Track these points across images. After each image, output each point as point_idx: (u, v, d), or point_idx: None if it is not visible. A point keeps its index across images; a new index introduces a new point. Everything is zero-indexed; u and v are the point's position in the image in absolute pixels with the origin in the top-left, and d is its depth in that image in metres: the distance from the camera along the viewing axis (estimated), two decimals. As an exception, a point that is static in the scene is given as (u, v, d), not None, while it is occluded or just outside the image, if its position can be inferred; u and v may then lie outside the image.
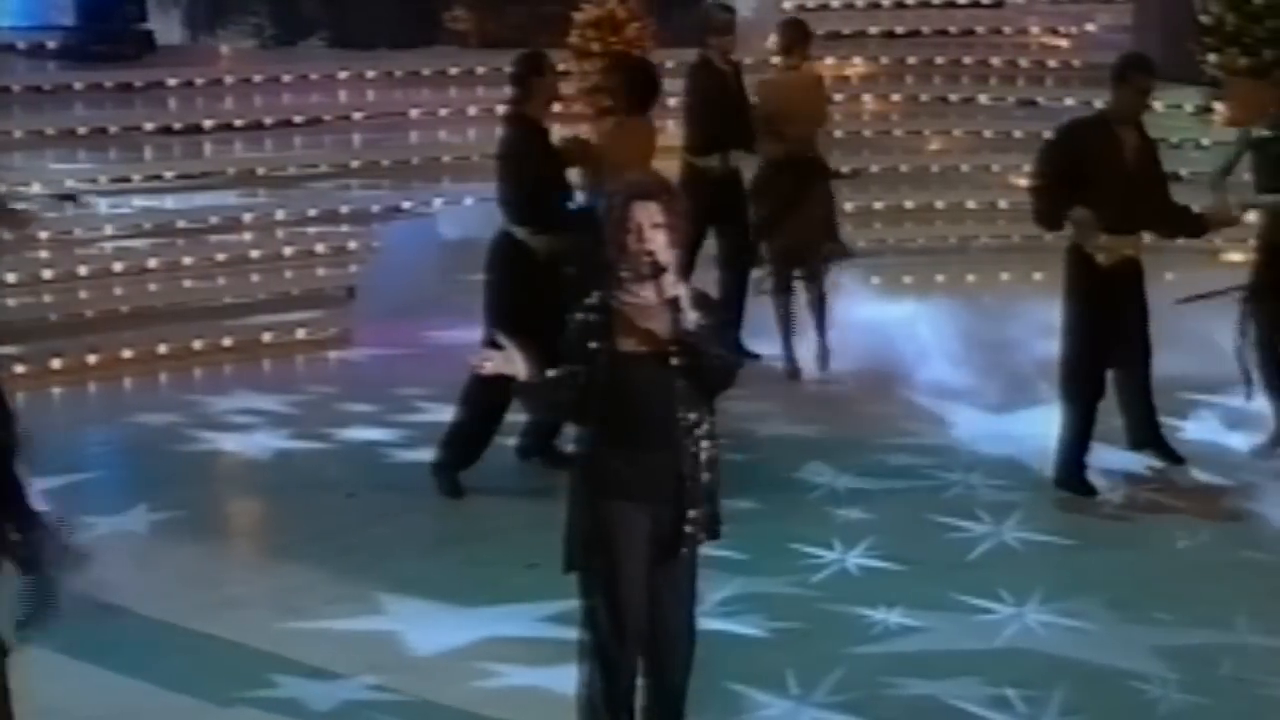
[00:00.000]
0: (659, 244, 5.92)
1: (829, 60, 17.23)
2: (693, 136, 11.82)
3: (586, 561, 6.04)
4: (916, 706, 7.03)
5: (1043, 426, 10.27)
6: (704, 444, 5.99)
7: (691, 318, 5.89)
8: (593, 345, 5.92)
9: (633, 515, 5.96)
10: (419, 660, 7.42)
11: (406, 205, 14.04)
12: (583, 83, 15.13)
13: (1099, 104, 15.87)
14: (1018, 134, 15.85)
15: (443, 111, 16.00)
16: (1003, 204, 15.02)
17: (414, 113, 16.05)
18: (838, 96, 16.22)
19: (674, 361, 5.88)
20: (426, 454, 9.75)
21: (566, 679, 7.14)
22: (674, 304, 5.89)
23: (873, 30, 17.59)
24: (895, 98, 16.52)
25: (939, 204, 14.92)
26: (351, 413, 11.01)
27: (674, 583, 6.05)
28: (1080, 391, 9.45)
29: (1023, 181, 15.55)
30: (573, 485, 6.10)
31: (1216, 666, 7.36)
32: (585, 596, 6.10)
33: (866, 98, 16.49)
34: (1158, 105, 15.58)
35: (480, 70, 16.91)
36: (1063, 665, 7.37)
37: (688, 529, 5.98)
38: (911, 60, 17.14)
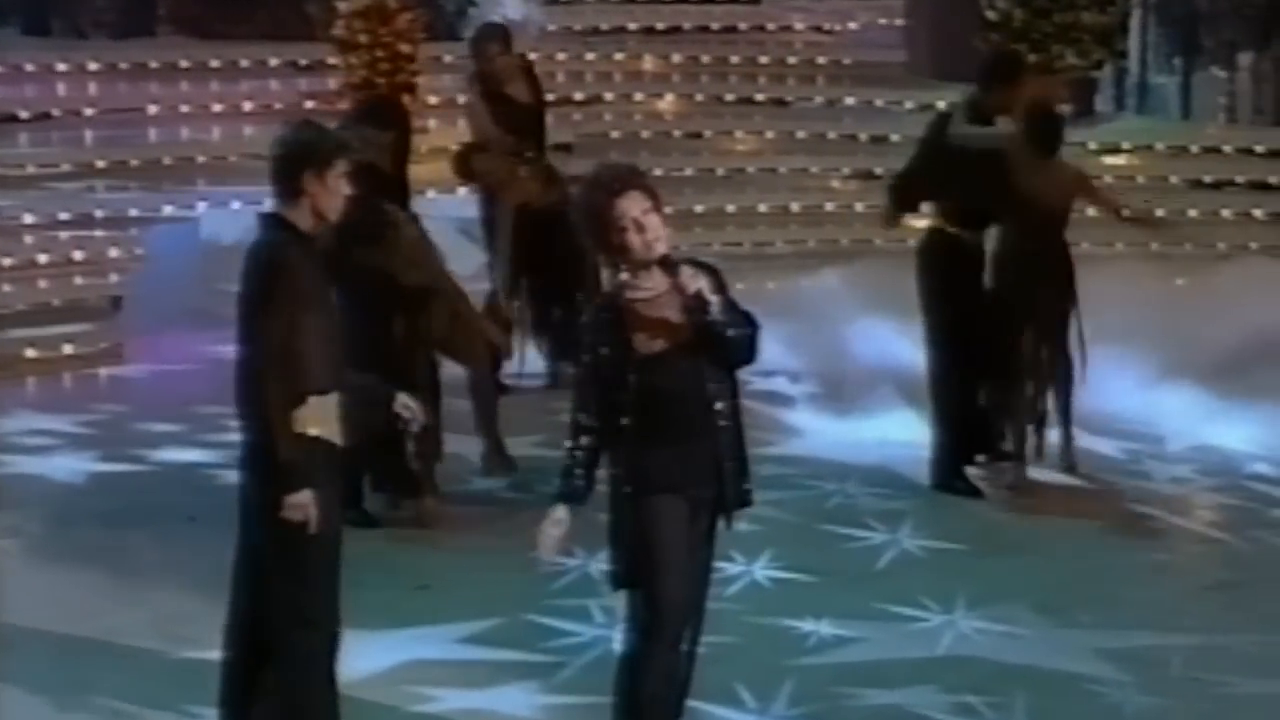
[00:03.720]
0: (658, 228, 6.13)
1: (589, 56, 17.51)
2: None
3: (636, 570, 6.21)
4: (883, 716, 7.32)
5: (895, 432, 10.74)
6: (733, 420, 6.26)
7: (714, 301, 6.12)
8: (607, 351, 6.14)
9: (677, 506, 6.20)
10: (345, 686, 7.37)
11: (169, 209, 13.83)
12: (350, 77, 15.10)
13: (880, 103, 16.78)
14: (800, 134, 16.31)
15: (184, 108, 15.79)
16: (795, 208, 15.44)
17: (152, 109, 15.81)
18: (608, 96, 16.61)
19: (700, 348, 6.12)
20: (256, 474, 9.66)
21: (507, 700, 7.39)
22: (697, 297, 6.10)
23: (632, 26, 17.91)
24: (669, 97, 16.83)
25: (730, 208, 15.26)
26: (156, 433, 10.85)
27: (701, 559, 6.32)
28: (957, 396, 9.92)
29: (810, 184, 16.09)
30: (613, 491, 6.26)
31: (1166, 667, 7.79)
32: (633, 604, 6.28)
33: (639, 96, 16.77)
34: (939, 104, 16.29)
35: (215, 64, 16.74)
36: (1013, 671, 7.73)
37: (726, 506, 6.30)
38: (676, 58, 17.47)
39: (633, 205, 6.13)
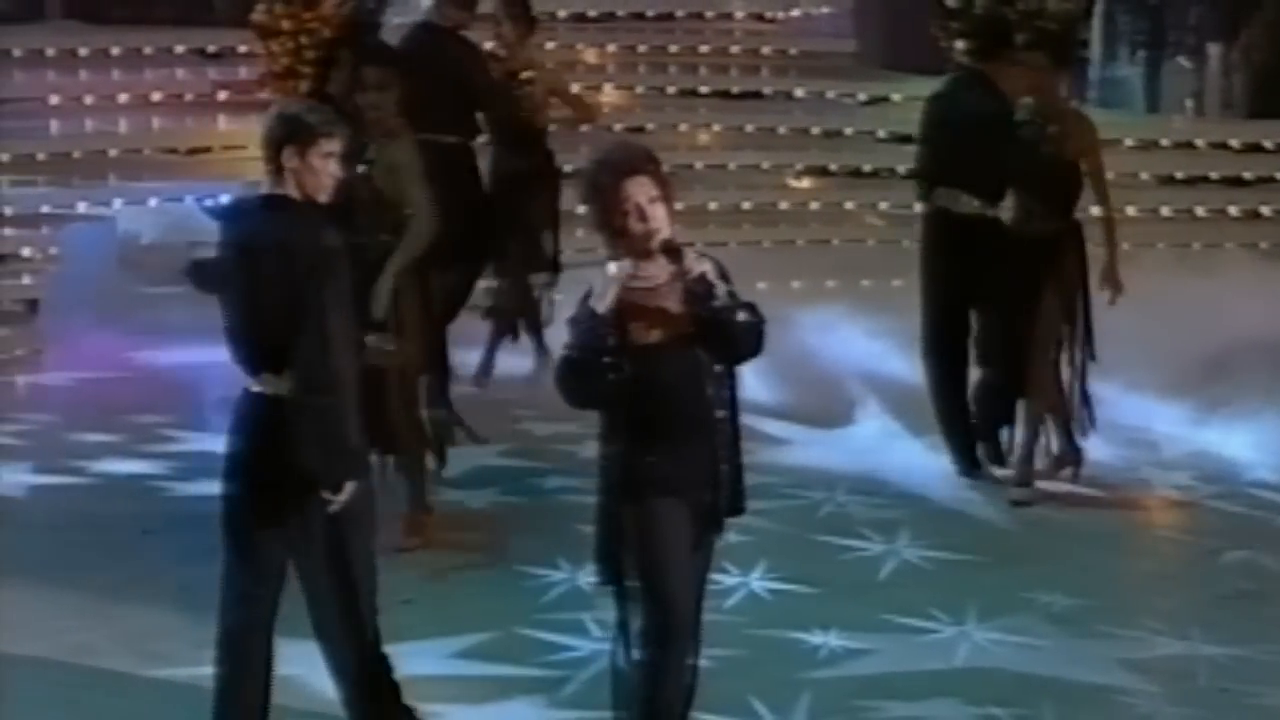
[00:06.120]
0: (662, 219, 6.33)
1: (521, 46, 17.64)
2: None
3: (633, 569, 6.40)
4: (910, 729, 7.57)
5: (878, 439, 11.05)
6: (731, 421, 6.46)
7: (721, 290, 6.33)
8: (610, 342, 6.30)
9: (676, 510, 6.39)
10: (341, 702, 7.54)
11: (83, 206, 13.91)
12: (272, 65, 15.17)
13: (831, 95, 17.03)
14: (749, 128, 16.53)
15: (88, 99, 15.81)
16: (747, 206, 15.66)
17: (54, 99, 15.81)
18: (542, 88, 16.75)
19: (704, 339, 6.30)
20: (206, 487, 9.72)
21: (514, 715, 7.64)
22: (701, 280, 6.29)
23: (562, 14, 18.05)
24: (607, 89, 17.00)
25: (678, 206, 15.27)
26: (92, 444, 10.96)
27: (699, 566, 6.53)
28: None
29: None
30: (606, 492, 6.47)
31: (1194, 679, 8.07)
32: (627, 605, 6.47)
33: (575, 88, 16.88)
34: (896, 97, 16.60)
35: (116, 51, 16.74)
36: (1036, 682, 7.99)
37: (723, 511, 6.50)
38: (612, 48, 17.64)
39: (639, 190, 6.31)
